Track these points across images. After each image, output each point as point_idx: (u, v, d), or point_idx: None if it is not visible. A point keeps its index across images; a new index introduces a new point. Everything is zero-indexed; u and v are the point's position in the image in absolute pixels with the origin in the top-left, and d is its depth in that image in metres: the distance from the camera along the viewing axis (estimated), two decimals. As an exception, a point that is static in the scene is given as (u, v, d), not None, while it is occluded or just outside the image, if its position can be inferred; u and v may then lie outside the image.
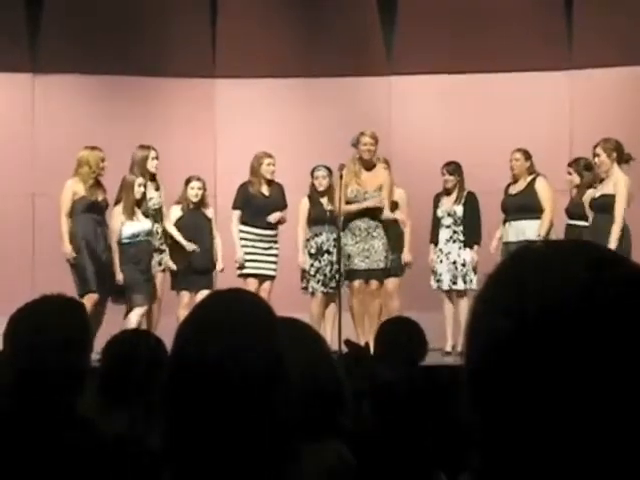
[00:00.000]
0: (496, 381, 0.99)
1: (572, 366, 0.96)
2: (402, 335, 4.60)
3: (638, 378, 0.95)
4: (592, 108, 10.85)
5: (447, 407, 3.82)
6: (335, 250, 9.33)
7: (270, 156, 9.64)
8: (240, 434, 1.61)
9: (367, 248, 9.11)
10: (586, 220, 8.74)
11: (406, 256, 9.54)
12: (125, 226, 9.11)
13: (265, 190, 9.61)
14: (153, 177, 9.40)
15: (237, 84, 11.39)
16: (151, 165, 9.33)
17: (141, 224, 9.18)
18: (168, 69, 11.20)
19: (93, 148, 9.16)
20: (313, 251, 9.53)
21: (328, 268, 9.47)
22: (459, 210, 9.52)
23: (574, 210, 8.95)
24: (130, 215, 9.12)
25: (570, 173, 9.07)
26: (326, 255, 9.48)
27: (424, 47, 11.03)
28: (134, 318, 8.99)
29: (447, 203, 9.60)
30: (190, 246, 9.37)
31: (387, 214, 9.20)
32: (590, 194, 8.74)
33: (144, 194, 9.24)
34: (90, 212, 9.09)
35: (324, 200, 9.57)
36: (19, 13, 10.74)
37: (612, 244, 8.11)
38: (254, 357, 1.62)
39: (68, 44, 10.86)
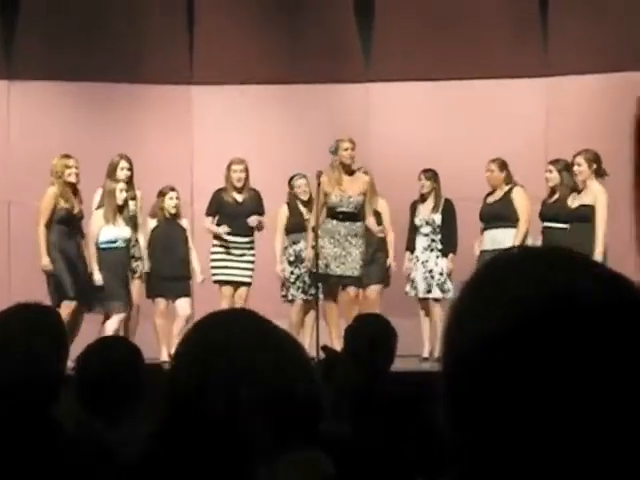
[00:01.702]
0: (471, 387, 0.99)
1: (545, 372, 0.95)
2: (368, 331, 4.56)
3: (616, 383, 0.95)
4: (568, 115, 10.89)
5: (425, 413, 3.82)
6: (306, 260, 9.34)
7: (241, 162, 9.61)
8: (220, 442, 1.61)
9: (344, 255, 9.10)
10: (561, 222, 8.80)
11: (391, 262, 9.54)
12: (103, 230, 9.09)
13: (238, 197, 9.61)
14: (130, 185, 9.38)
15: (214, 91, 11.38)
16: (120, 174, 9.30)
17: (120, 230, 9.16)
18: (145, 76, 11.18)
19: (63, 156, 9.19)
20: (292, 259, 9.55)
21: (307, 275, 9.48)
22: (437, 218, 9.55)
23: (548, 212, 8.98)
24: (110, 220, 9.10)
25: (550, 171, 9.09)
26: (305, 262, 9.49)
27: (401, 54, 11.05)
28: (111, 326, 8.97)
29: (424, 211, 9.62)
30: (146, 264, 9.36)
31: (373, 226, 9.22)
32: (571, 200, 8.81)
33: (126, 200, 9.24)
34: (64, 223, 9.07)
35: (305, 209, 9.57)
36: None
37: (597, 254, 8.19)
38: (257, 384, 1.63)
39: (44, 51, 10.82)
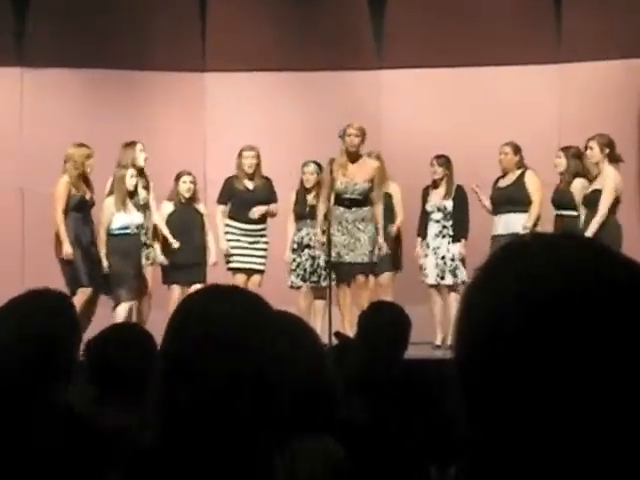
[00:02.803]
0: (484, 373, 0.98)
1: (558, 364, 0.95)
2: (382, 319, 4.56)
3: (635, 374, 0.94)
4: (581, 102, 10.85)
5: (437, 400, 3.82)
6: (316, 245, 9.32)
7: (252, 149, 9.60)
8: (232, 429, 1.61)
9: (352, 242, 9.06)
10: (573, 209, 8.78)
11: (394, 228, 9.48)
12: (116, 217, 9.11)
13: (249, 184, 9.60)
14: (141, 173, 9.37)
15: (226, 78, 11.37)
16: (141, 159, 9.29)
17: (132, 217, 9.17)
18: (158, 62, 11.17)
19: (80, 145, 9.17)
20: (295, 246, 9.55)
21: (308, 262, 9.49)
22: (449, 205, 9.50)
23: (559, 199, 8.96)
24: (121, 207, 9.11)
25: (559, 157, 9.07)
26: (306, 250, 9.48)
27: (413, 41, 11.02)
28: (121, 312, 8.99)
29: (436, 197, 9.58)
30: (175, 243, 9.38)
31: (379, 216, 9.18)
32: (581, 186, 8.78)
33: (136, 186, 9.24)
34: (79, 210, 9.09)
35: (310, 196, 9.56)
36: (6, 7, 10.71)
37: (588, 232, 8.17)
38: (240, 353, 1.61)
39: (56, 38, 10.83)
